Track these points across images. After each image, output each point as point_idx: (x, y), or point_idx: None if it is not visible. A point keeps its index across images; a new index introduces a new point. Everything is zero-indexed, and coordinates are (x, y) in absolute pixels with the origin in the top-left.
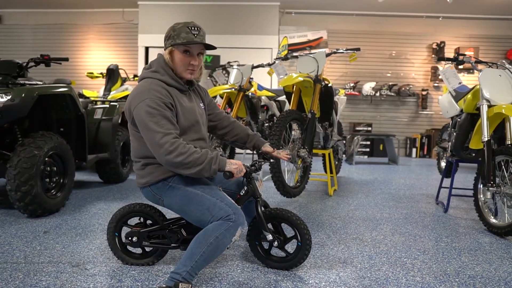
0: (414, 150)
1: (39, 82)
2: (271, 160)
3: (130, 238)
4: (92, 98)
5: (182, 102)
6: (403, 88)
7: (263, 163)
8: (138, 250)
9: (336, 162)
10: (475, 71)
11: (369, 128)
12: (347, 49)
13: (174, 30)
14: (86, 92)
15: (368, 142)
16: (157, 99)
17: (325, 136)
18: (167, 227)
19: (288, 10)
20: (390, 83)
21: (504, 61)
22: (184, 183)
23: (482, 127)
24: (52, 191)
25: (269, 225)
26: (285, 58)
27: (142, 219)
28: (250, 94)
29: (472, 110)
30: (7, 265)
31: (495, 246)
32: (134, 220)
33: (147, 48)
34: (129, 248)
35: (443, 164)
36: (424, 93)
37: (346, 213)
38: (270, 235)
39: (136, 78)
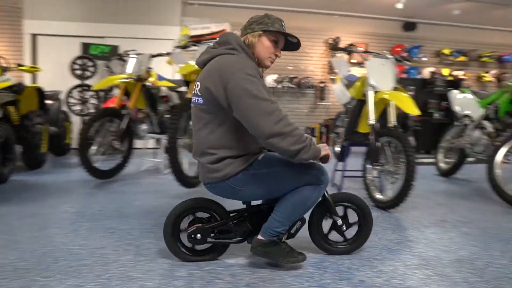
0: (314, 139)
1: None
2: None
3: (193, 236)
4: None
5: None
6: (303, 81)
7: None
8: (202, 247)
9: None
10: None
11: None
12: None
13: (269, 19)
14: None
15: None
16: (254, 69)
17: None
18: (232, 220)
19: (191, 1)
20: (291, 76)
21: (387, 52)
22: (264, 165)
23: (369, 111)
24: None
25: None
26: (185, 47)
27: (193, 216)
28: (149, 84)
29: (361, 97)
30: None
31: (380, 219)
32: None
33: (34, 36)
34: (189, 245)
35: (337, 149)
36: (321, 85)
37: None
38: (340, 219)
39: (20, 68)
